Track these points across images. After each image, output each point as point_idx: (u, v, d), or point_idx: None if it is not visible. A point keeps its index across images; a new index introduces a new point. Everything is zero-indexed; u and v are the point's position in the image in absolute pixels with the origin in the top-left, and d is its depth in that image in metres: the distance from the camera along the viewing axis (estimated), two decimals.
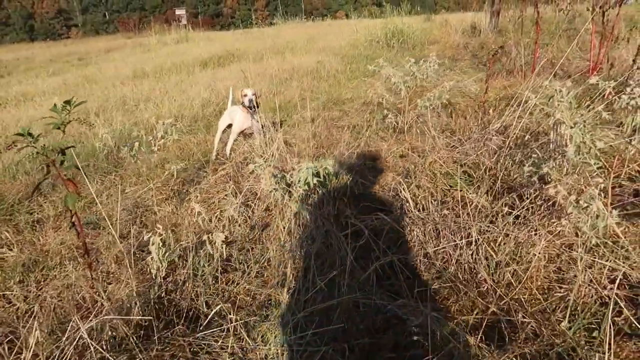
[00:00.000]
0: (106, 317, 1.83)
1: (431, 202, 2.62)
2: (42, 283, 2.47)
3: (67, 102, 2.05)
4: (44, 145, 1.99)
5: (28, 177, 4.07)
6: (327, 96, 6.84)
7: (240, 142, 4.38)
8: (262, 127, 4.21)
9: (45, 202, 3.49)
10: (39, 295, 2.33)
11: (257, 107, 4.31)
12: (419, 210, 2.61)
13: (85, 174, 3.48)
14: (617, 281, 1.77)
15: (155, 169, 4.07)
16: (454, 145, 3.82)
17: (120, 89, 8.10)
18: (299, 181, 2.26)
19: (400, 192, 2.74)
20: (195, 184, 3.50)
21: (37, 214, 3.37)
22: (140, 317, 1.90)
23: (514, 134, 3.37)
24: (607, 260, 2.07)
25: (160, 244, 1.90)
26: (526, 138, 3.30)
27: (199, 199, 3.13)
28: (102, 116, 6.08)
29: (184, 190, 3.43)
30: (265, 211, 2.86)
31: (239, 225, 2.75)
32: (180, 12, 53.29)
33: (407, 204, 2.60)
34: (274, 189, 2.31)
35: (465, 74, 7.80)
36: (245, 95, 4.28)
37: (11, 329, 2.01)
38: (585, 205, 1.83)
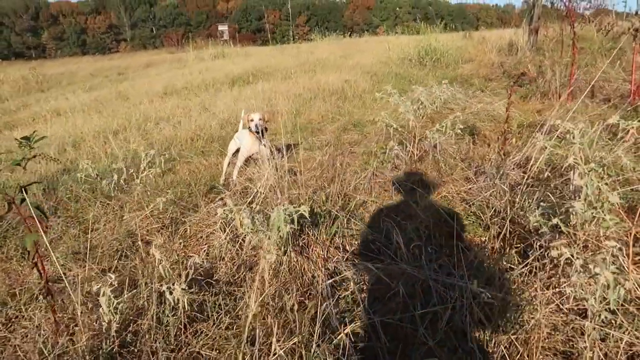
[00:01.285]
0: None
1: (428, 249, 2.37)
2: (13, 320, 2.37)
3: (26, 138, 1.93)
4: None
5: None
6: (349, 117, 6.65)
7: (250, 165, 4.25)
8: (272, 152, 4.06)
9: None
10: (6, 336, 2.22)
11: (265, 131, 4.17)
12: (413, 258, 2.35)
13: (83, 196, 3.42)
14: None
15: (160, 193, 3.98)
16: (469, 178, 3.54)
17: (146, 106, 8.18)
18: (272, 228, 2.07)
19: (394, 236, 2.49)
20: (192, 212, 3.36)
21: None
22: None
23: (535, 168, 3.06)
24: (624, 332, 1.77)
25: (111, 295, 1.74)
26: (545, 175, 2.99)
27: (188, 233, 2.98)
28: (121, 135, 6.10)
29: (181, 219, 3.29)
30: (253, 249, 2.68)
31: (225, 264, 2.58)
32: (222, 27, 54.85)
33: (400, 250, 2.35)
34: (251, 230, 2.13)
35: (496, 96, 7.43)
36: (252, 120, 4.14)
37: None
38: (594, 273, 1.55)
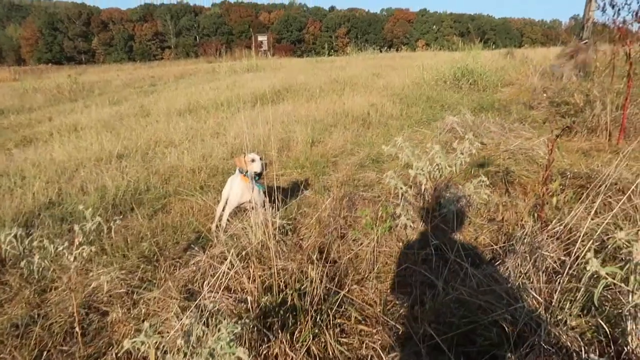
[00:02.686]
0: None
1: None
2: None
3: None
4: None
5: None
6: (369, 149, 6.07)
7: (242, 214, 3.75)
8: (266, 198, 3.54)
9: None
10: None
11: (260, 175, 3.66)
12: None
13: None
14: None
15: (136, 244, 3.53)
16: (494, 257, 2.89)
17: (162, 125, 7.85)
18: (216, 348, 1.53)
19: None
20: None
21: None
22: None
23: (582, 248, 2.37)
24: None
25: None
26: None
27: (143, 313, 2.48)
28: (124, 161, 5.75)
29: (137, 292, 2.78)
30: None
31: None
32: (262, 38, 55.38)
33: None
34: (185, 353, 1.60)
35: (537, 129, 6.68)
36: (253, 161, 3.63)
37: None
38: None
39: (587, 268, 1.44)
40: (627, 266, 1.48)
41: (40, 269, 2.29)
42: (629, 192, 2.70)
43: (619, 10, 5.52)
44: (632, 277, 1.42)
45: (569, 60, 11.21)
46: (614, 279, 1.43)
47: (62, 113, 11.00)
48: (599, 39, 10.76)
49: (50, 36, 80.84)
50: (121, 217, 3.83)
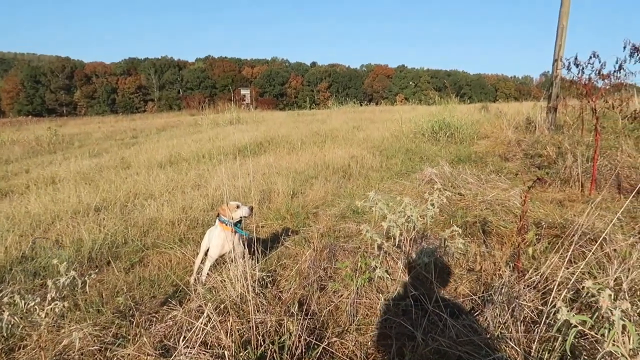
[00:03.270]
0: None
1: None
2: None
3: None
4: None
5: None
6: (350, 200, 6.11)
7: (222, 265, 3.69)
8: (245, 248, 3.51)
9: None
10: None
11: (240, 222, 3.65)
12: None
13: None
14: None
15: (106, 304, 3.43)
16: (473, 307, 2.90)
17: (143, 177, 7.81)
18: None
19: None
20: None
21: None
22: None
23: (560, 295, 2.40)
24: None
25: None
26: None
27: None
28: (102, 214, 5.66)
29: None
30: None
31: None
32: (244, 91, 56.38)
33: None
34: None
35: (512, 180, 6.85)
36: (238, 207, 3.62)
37: None
38: None
39: (558, 317, 1.46)
40: (595, 314, 1.50)
41: (10, 326, 2.20)
42: (600, 240, 2.77)
43: (582, 68, 5.85)
44: (604, 326, 1.44)
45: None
46: (584, 327, 1.45)
47: (40, 165, 10.89)
48: (568, 95, 11.28)
49: (32, 89, 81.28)
50: (97, 270, 3.76)
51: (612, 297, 1.57)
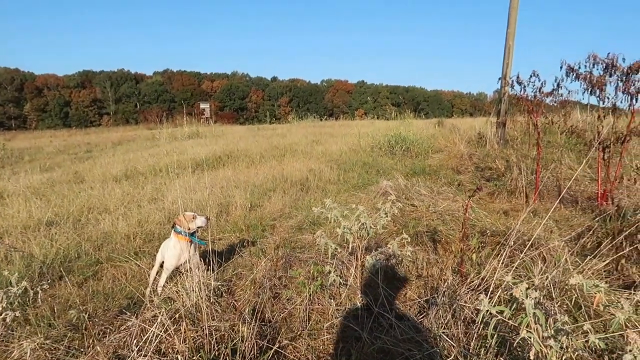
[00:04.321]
0: None
1: None
2: None
3: None
4: None
5: None
6: (308, 212, 6.23)
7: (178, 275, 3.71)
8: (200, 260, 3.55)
9: None
10: None
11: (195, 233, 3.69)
12: None
13: None
14: None
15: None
16: (421, 306, 3.06)
17: (97, 192, 7.68)
18: None
19: None
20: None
21: None
22: None
23: (495, 298, 2.60)
24: None
25: None
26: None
27: None
28: (54, 228, 5.54)
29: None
30: None
31: None
32: (204, 105, 55.85)
33: None
34: None
35: (463, 192, 7.16)
36: (195, 217, 3.66)
37: None
38: None
39: (481, 308, 1.62)
40: (514, 305, 1.68)
41: None
42: (529, 244, 3.01)
43: (524, 86, 6.25)
44: (523, 325, 1.61)
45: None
46: (502, 316, 1.62)
47: None
48: (516, 111, 11.92)
49: None
50: (49, 281, 3.70)
51: (540, 293, 1.75)
